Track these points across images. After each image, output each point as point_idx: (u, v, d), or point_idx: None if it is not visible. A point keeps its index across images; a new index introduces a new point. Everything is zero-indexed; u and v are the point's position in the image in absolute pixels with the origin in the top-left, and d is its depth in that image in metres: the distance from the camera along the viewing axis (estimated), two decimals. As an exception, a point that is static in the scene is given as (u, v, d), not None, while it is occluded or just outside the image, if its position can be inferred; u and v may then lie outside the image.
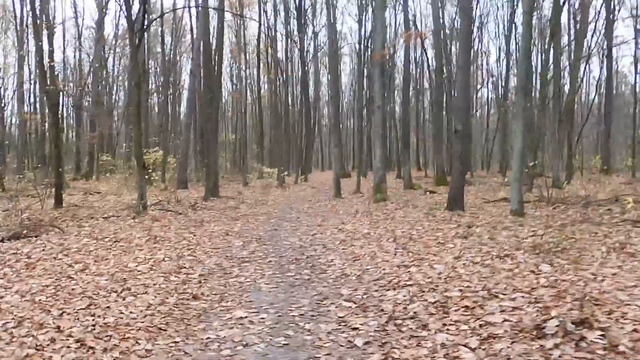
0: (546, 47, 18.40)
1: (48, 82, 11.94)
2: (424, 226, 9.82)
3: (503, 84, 32.91)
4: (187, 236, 8.85)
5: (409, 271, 5.93)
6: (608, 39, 26.56)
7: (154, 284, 5.42)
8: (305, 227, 10.51)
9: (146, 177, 21.15)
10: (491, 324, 4.01)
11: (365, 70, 35.84)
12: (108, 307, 4.55)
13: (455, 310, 4.43)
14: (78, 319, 4.17)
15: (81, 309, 4.45)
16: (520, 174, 11.14)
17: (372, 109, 15.79)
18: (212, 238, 8.79)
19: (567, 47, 22.21)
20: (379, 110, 14.85)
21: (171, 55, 36.28)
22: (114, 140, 38.65)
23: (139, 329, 4.06)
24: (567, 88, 20.97)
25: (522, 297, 4.73)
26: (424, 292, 5.07)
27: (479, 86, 37.48)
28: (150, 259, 6.73)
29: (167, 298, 4.95)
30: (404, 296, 4.97)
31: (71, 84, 39.53)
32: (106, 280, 5.49)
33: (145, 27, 10.92)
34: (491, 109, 38.09)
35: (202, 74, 18.13)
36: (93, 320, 4.14)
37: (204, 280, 5.72)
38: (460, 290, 5.00)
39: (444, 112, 24.81)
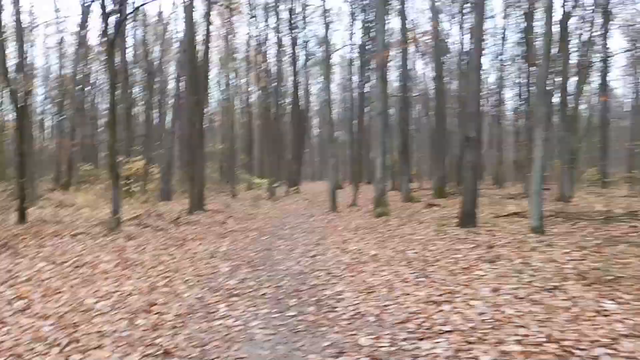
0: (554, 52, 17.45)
1: (12, 82, 10.58)
2: (438, 246, 8.62)
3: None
4: (165, 259, 7.54)
5: (441, 310, 4.70)
6: (604, 48, 25.86)
7: (114, 332, 4.13)
8: (302, 246, 9.24)
9: (126, 188, 19.82)
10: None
11: (355, 79, 34.86)
12: (41, 373, 3.26)
13: (527, 379, 3.21)
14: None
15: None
16: (540, 186, 10.01)
17: (371, 115, 14.62)
18: (194, 261, 7.48)
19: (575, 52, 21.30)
20: (381, 117, 13.71)
21: (158, 62, 34.99)
22: (97, 149, 37.14)
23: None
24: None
25: (607, 353, 3.54)
26: (470, 343, 3.84)
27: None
28: (115, 291, 5.42)
29: (127, 355, 3.66)
30: (445, 350, 3.74)
31: (55, 91, 38.09)
32: (50, 326, 4.19)
33: (122, 18, 9.69)
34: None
35: (186, 76, 16.84)
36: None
37: (181, 324, 4.43)
38: (519, 342, 3.78)
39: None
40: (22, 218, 10.95)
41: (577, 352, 3.56)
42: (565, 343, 3.69)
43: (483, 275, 6.07)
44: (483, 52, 11.77)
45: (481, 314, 4.54)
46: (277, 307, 5.03)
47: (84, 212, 14.76)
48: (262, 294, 5.54)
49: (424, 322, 4.42)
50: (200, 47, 19.60)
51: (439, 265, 6.88)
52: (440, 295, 5.23)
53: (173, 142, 22.68)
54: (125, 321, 4.41)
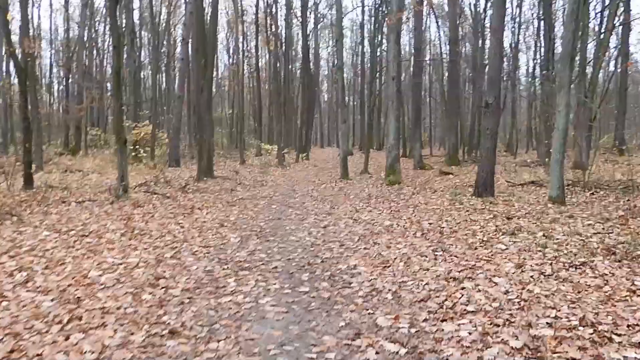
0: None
1: (15, 43, 10.20)
2: (454, 216, 8.33)
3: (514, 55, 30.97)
4: (172, 228, 7.32)
5: (462, 287, 4.43)
6: (626, 12, 24.70)
7: (118, 308, 3.91)
8: (313, 215, 8.99)
9: (134, 154, 19.60)
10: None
11: (366, 43, 33.89)
12: (39, 356, 3.04)
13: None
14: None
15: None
16: (562, 155, 9.60)
17: (386, 79, 14.13)
18: (203, 231, 7.25)
19: (597, 15, 20.34)
20: (394, 82, 13.22)
21: (164, 25, 34.23)
22: (105, 113, 36.80)
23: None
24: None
25: (649, 339, 3.26)
26: (496, 325, 3.57)
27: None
28: (121, 263, 5.20)
29: (132, 334, 3.43)
30: (470, 333, 3.48)
31: (60, 54, 37.51)
32: (51, 301, 3.97)
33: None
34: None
35: (193, 38, 16.27)
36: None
37: (188, 301, 4.20)
38: (550, 325, 3.51)
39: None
40: (28, 183, 10.77)
41: (616, 337, 3.28)
42: (601, 327, 3.42)
43: (504, 249, 5.79)
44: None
45: (506, 292, 4.27)
46: (289, 282, 4.79)
47: (92, 177, 14.59)
48: (274, 268, 5.30)
49: (445, 300, 4.16)
50: (207, 9, 19.00)
51: (457, 238, 6.60)
52: (461, 271, 4.96)
53: (181, 107, 22.27)
54: (130, 296, 4.19)
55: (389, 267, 5.27)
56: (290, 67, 32.63)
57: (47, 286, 4.33)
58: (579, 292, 4.21)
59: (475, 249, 5.88)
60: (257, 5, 29.61)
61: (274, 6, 30.13)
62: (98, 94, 28.00)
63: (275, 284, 4.72)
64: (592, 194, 11.03)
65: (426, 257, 5.59)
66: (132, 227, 7.18)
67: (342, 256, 5.83)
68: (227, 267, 5.27)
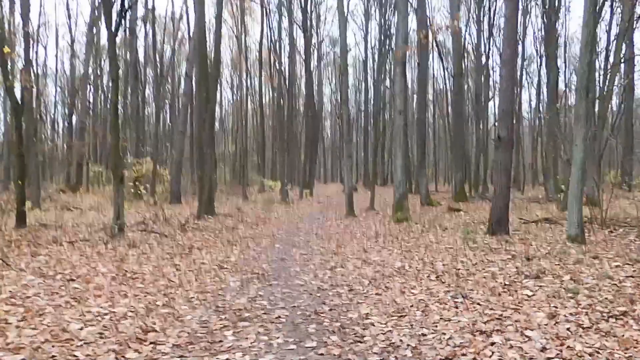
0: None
1: (9, 77, 9.95)
2: (469, 257, 7.80)
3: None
4: (168, 271, 6.81)
5: (492, 342, 3.89)
6: (629, 47, 24.68)
7: (96, 371, 3.38)
8: (319, 256, 8.46)
9: (134, 191, 19.23)
10: None
11: (369, 80, 33.97)
12: None
13: None
14: None
15: None
16: (580, 190, 9.11)
17: (392, 115, 13.82)
18: (200, 274, 6.73)
19: (603, 50, 20.22)
20: (400, 116, 12.89)
21: (168, 61, 34.47)
22: (108, 150, 36.67)
23: None
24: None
25: None
26: (539, 393, 3.03)
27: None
28: (107, 313, 4.68)
29: (108, 406, 2.90)
30: (509, 403, 2.93)
31: (65, 92, 37.73)
32: (20, 362, 3.45)
33: (126, 7, 9.03)
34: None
35: (196, 71, 16.08)
36: None
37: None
38: (604, 394, 2.97)
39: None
40: (21, 222, 10.32)
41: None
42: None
43: (531, 295, 5.25)
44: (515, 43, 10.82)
45: (543, 349, 3.73)
46: (294, 336, 4.25)
47: (89, 215, 14.14)
48: (277, 318, 4.76)
49: (474, 359, 3.62)
50: (211, 45, 18.95)
51: (476, 281, 6.06)
52: (487, 322, 4.42)
53: (183, 143, 22.02)
54: (113, 355, 3.66)
55: (404, 316, 4.74)
56: (293, 103, 32.61)
57: (19, 342, 3.80)
58: (627, 349, 3.67)
59: (499, 294, 5.34)
60: (260, 42, 29.82)
61: (277, 43, 30.33)
62: (101, 130, 27.92)
63: (278, 337, 4.19)
64: (611, 232, 10.50)
65: (445, 304, 5.05)
66: (124, 270, 6.67)
67: (352, 303, 5.30)
68: (225, 317, 4.74)
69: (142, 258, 7.74)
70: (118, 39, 11.69)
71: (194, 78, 19.66)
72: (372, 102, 32.16)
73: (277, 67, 30.75)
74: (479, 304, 5.02)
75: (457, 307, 4.91)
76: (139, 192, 17.88)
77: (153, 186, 18.90)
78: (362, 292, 5.74)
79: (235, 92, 43.50)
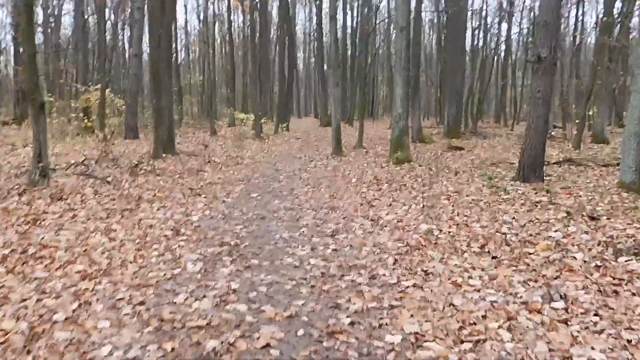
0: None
1: None
2: (511, 214, 5.87)
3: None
4: (96, 241, 4.63)
5: None
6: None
7: None
8: (310, 212, 6.38)
9: (83, 123, 16.56)
10: None
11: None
12: None
13: None
14: None
15: None
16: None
17: (395, 30, 11.43)
18: (143, 247, 4.60)
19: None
20: (402, 34, 10.54)
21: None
22: (63, 77, 32.91)
23: None
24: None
25: None
26: None
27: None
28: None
29: None
30: None
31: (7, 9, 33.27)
32: None
33: None
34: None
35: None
36: None
37: None
38: None
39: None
40: None
41: None
42: None
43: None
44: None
45: None
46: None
47: (22, 153, 11.65)
48: (263, 346, 2.71)
49: None
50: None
51: (545, 259, 4.13)
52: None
53: (140, 68, 19.07)
54: None
55: (482, 342, 2.75)
56: (266, 27, 29.37)
57: None
58: None
59: (603, 292, 3.40)
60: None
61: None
62: (46, 55, 24.43)
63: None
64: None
65: (539, 313, 3.09)
66: (29, 241, 4.48)
67: (382, 307, 3.28)
68: (172, 350, 2.66)
69: (66, 218, 5.52)
70: None
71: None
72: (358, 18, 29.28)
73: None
74: (585, 308, 3.06)
75: (566, 324, 2.95)
76: (87, 125, 15.28)
77: (102, 118, 16.19)
78: (392, 282, 3.73)
79: (202, 18, 39.52)
